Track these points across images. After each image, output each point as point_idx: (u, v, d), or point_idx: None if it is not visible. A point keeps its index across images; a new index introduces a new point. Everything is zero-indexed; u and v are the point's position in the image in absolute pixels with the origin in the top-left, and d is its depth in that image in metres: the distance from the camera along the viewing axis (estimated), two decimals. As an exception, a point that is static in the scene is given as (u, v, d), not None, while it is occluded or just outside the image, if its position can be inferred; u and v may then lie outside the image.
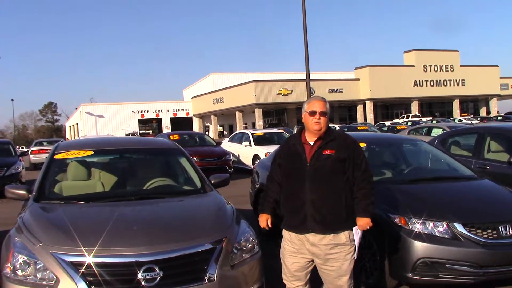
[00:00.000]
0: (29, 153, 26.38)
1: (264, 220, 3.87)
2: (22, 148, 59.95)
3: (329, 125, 3.82)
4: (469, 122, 31.57)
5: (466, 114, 57.53)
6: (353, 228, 3.68)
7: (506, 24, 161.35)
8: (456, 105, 60.39)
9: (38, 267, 3.44)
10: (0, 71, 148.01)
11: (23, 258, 3.51)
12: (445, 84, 58.55)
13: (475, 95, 61.35)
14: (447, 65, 58.49)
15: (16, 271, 3.47)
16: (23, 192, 4.69)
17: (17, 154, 16.22)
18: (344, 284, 3.71)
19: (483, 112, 64.74)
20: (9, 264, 3.52)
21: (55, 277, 3.37)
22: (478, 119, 41.28)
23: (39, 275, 3.42)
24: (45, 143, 28.03)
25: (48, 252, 3.49)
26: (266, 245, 4.97)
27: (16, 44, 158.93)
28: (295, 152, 3.75)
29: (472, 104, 68.24)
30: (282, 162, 3.85)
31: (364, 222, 3.66)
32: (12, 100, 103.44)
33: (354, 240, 3.70)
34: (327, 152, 3.64)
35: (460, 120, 39.70)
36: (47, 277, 3.40)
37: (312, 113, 3.68)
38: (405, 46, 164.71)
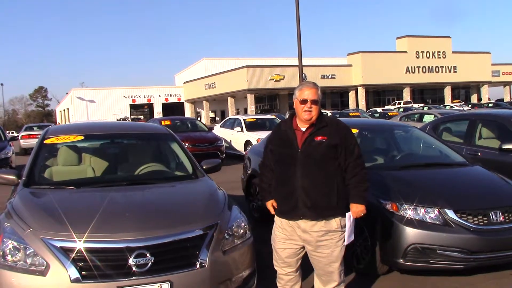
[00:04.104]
0: (19, 138, 26.07)
1: (271, 207, 3.87)
2: (12, 133, 59.48)
3: (321, 111, 3.79)
4: (461, 108, 31.70)
5: (457, 100, 57.77)
6: (346, 214, 3.67)
7: (498, 10, 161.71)
8: (447, 91, 60.56)
9: (28, 252, 3.41)
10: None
11: (13, 244, 3.47)
12: (437, 70, 58.63)
13: (466, 81, 61.54)
14: (439, 52, 58.53)
15: (6, 257, 3.43)
16: (13, 177, 4.64)
17: (7, 139, 16.05)
18: (335, 271, 3.71)
19: (474, 98, 65.01)
20: (-2, 250, 3.49)
21: (45, 262, 3.35)
22: (469, 105, 41.44)
23: (29, 261, 3.39)
24: (35, 128, 27.79)
25: (38, 238, 3.46)
26: (258, 231, 4.98)
27: (6, 28, 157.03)
28: (286, 138, 3.73)
29: (463, 90, 68.45)
30: (273, 148, 3.84)
31: (359, 209, 3.66)
32: (2, 84, 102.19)
33: (345, 227, 3.69)
34: (319, 138, 3.62)
35: (451, 107, 39.81)
36: (37, 263, 3.37)
37: (303, 102, 3.63)
38: (398, 32, 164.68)
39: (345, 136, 3.69)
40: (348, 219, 3.68)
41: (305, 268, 3.99)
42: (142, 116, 64.44)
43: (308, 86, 3.69)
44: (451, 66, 59.31)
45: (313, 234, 3.63)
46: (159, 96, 66.75)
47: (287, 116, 3.98)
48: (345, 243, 3.71)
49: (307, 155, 3.61)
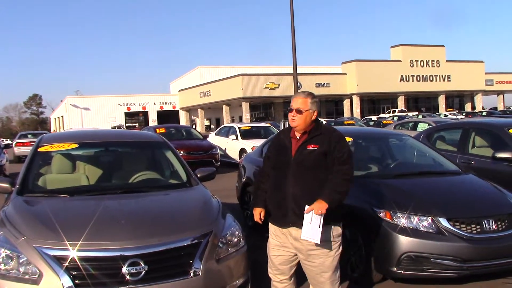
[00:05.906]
0: (13, 145, 26.01)
1: (258, 214, 3.82)
2: (6, 140, 59.22)
3: (318, 120, 3.79)
4: (454, 117, 31.87)
5: (451, 109, 58.06)
6: (306, 207, 3.48)
7: (492, 20, 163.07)
8: (441, 100, 60.86)
9: (21, 261, 3.40)
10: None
11: (6, 252, 3.45)
12: (431, 79, 58.95)
13: (460, 90, 61.87)
14: (433, 61, 58.90)
15: (-1, 265, 3.42)
16: (6, 185, 4.61)
17: (1, 147, 16.03)
18: (326, 281, 3.68)
19: (468, 107, 65.36)
20: (-9, 258, 3.47)
21: (38, 271, 3.33)
22: (463, 114, 41.68)
23: (22, 269, 3.37)
24: (29, 136, 27.70)
25: (31, 246, 3.44)
26: (253, 239, 4.98)
27: (0, 35, 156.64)
28: (283, 146, 3.77)
29: (457, 99, 68.85)
30: (270, 155, 3.88)
31: (318, 206, 3.44)
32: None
33: (338, 236, 3.68)
34: (311, 147, 3.64)
35: (445, 115, 40.00)
36: (30, 271, 3.35)
37: (290, 110, 3.72)
38: (392, 41, 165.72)
39: (336, 144, 3.64)
40: (310, 215, 3.47)
41: (300, 275, 3.98)
42: (137, 124, 64.40)
43: (296, 96, 3.76)
44: (445, 75, 59.65)
45: (304, 243, 3.60)
46: (154, 104, 66.73)
47: (282, 124, 4.00)
48: (301, 237, 3.52)
49: (299, 163, 3.63)
